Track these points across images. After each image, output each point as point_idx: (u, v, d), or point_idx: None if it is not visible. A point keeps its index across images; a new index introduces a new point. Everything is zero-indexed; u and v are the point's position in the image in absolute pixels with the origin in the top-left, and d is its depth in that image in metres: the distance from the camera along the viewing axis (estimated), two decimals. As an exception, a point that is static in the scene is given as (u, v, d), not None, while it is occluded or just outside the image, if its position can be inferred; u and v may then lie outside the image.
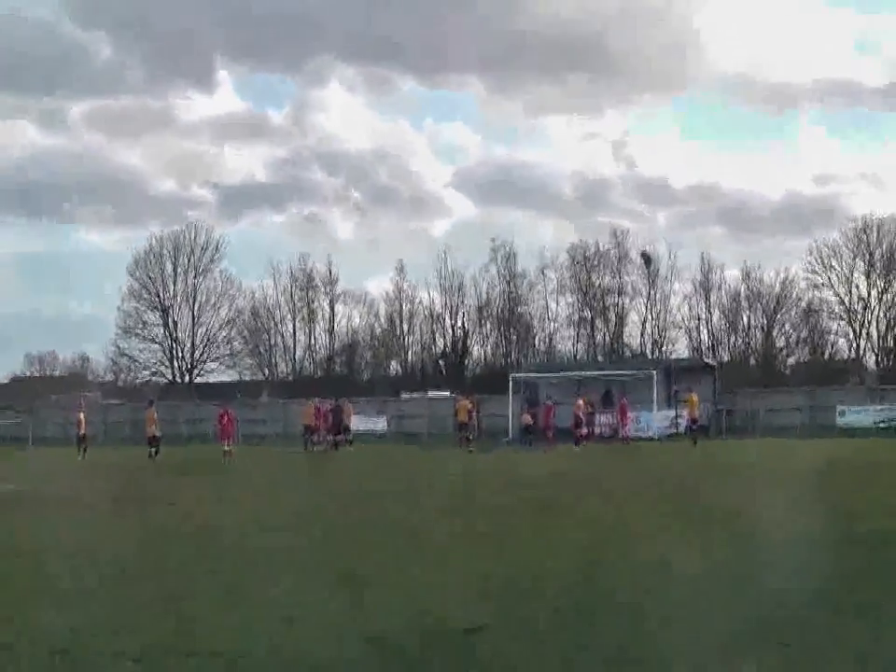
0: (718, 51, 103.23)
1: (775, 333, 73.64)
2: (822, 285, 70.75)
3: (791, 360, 75.22)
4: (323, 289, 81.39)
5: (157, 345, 79.38)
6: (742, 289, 74.25)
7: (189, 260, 79.49)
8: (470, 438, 38.40)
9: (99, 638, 7.05)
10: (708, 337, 75.58)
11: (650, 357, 70.85)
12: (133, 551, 11.53)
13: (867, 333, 70.69)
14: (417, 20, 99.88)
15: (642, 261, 76.16)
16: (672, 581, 8.98)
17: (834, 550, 10.58)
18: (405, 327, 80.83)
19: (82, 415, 41.90)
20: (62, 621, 7.64)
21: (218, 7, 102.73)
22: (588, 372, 50.65)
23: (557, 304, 78.15)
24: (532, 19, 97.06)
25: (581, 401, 41.24)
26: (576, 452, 35.61)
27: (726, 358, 71.70)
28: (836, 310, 71.23)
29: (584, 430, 40.12)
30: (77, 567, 10.14)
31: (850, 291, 70.28)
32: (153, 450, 32.80)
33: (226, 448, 34.86)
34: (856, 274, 70.11)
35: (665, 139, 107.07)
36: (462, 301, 79.65)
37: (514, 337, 78.91)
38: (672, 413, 45.62)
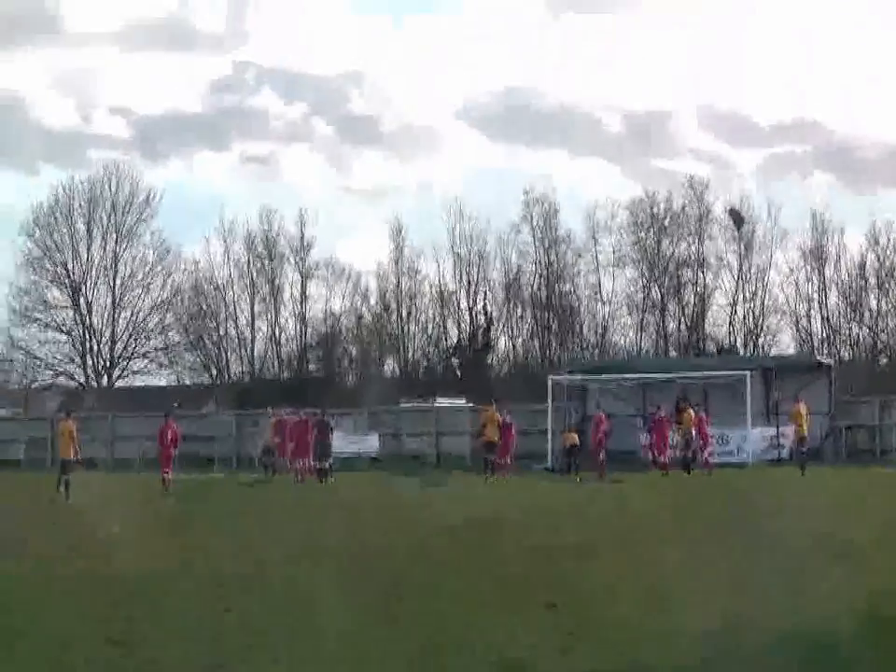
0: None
1: (915, 322, 73.09)
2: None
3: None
4: (292, 260, 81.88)
5: (63, 335, 79.43)
6: (869, 260, 74.46)
7: (108, 219, 79.50)
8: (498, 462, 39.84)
9: None
10: (823, 327, 75.59)
11: (741, 352, 70.59)
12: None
13: None
14: None
15: (731, 221, 75.50)
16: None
17: None
18: (405, 311, 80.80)
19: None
20: None
21: None
22: (657, 374, 50.08)
23: (614, 281, 78.60)
24: None
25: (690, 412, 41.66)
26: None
27: (847, 356, 71.83)
28: None
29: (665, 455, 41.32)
30: None
31: None
32: (65, 479, 31.30)
33: (167, 476, 34.36)
34: None
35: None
36: (484, 277, 79.91)
37: (555, 325, 78.92)
38: (772, 430, 45.71)
